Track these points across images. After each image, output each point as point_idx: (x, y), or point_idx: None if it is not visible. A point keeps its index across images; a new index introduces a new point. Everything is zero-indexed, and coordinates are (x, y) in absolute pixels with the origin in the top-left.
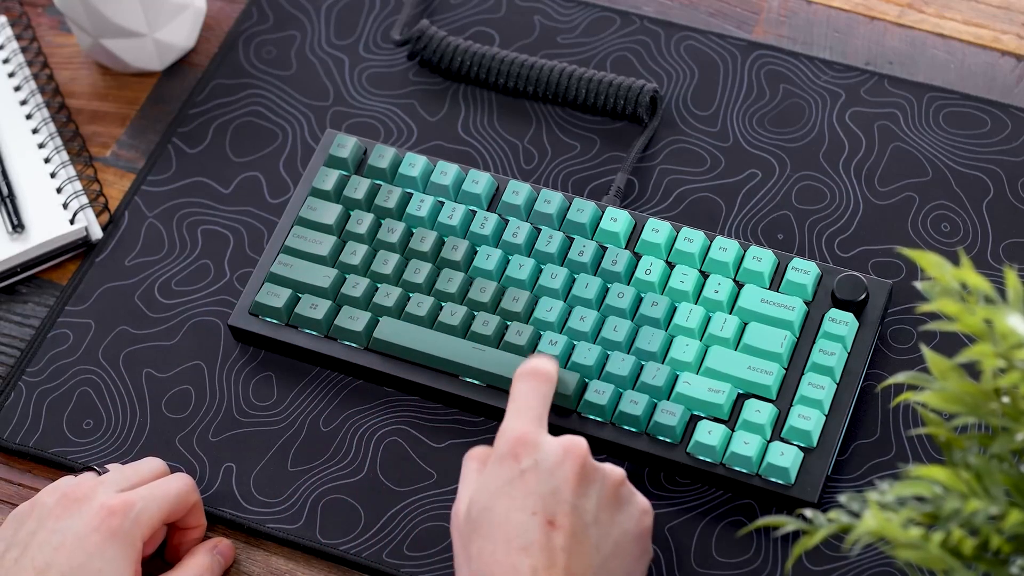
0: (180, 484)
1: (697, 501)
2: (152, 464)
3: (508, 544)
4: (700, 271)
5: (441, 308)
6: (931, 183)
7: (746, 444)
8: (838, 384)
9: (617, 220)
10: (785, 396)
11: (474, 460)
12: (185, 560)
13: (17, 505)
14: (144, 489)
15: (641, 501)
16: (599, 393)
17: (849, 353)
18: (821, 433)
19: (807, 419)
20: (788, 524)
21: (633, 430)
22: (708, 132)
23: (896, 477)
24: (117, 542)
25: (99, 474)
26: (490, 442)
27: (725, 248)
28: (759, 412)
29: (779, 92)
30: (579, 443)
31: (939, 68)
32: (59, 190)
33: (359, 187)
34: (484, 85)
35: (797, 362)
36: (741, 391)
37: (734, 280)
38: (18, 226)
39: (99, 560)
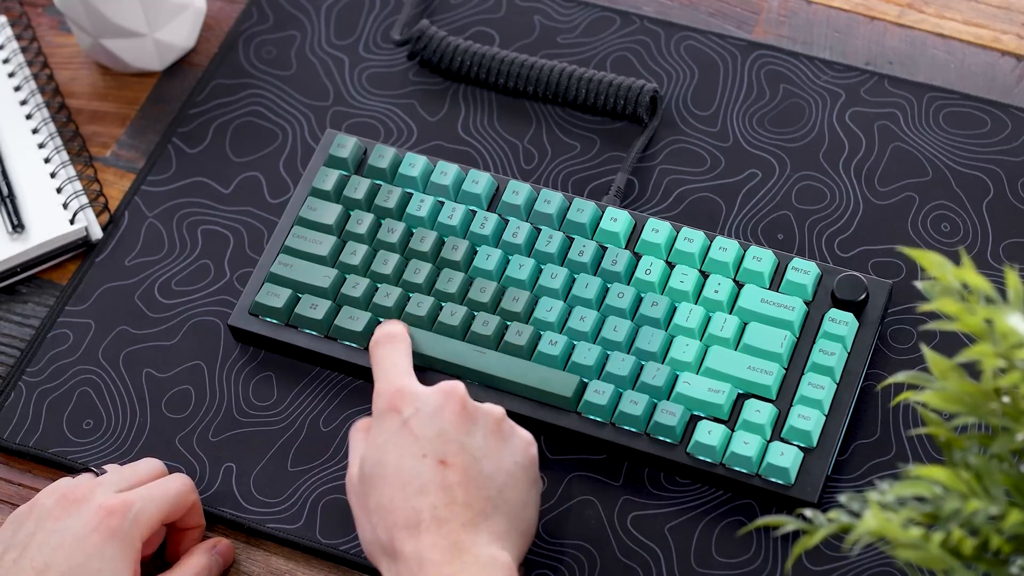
0: (179, 484)
1: (697, 501)
2: (150, 465)
3: (404, 489)
4: (700, 271)
5: (441, 308)
6: (931, 183)
7: (746, 444)
8: (838, 384)
9: (617, 220)
10: (785, 396)
11: (359, 431)
12: (184, 560)
13: (17, 505)
14: (143, 489)
15: (524, 434)
16: (599, 393)
17: (849, 353)
18: (821, 433)
19: (807, 419)
20: (788, 524)
21: (633, 430)
22: (708, 132)
23: (896, 477)
24: (116, 542)
25: (97, 475)
26: None
27: (725, 248)
28: (759, 412)
29: (779, 92)
30: (456, 385)
31: (939, 68)
32: (59, 190)
33: (359, 187)
34: (484, 85)
35: (797, 362)
36: (741, 391)
37: (734, 280)
38: (18, 226)
39: (98, 560)
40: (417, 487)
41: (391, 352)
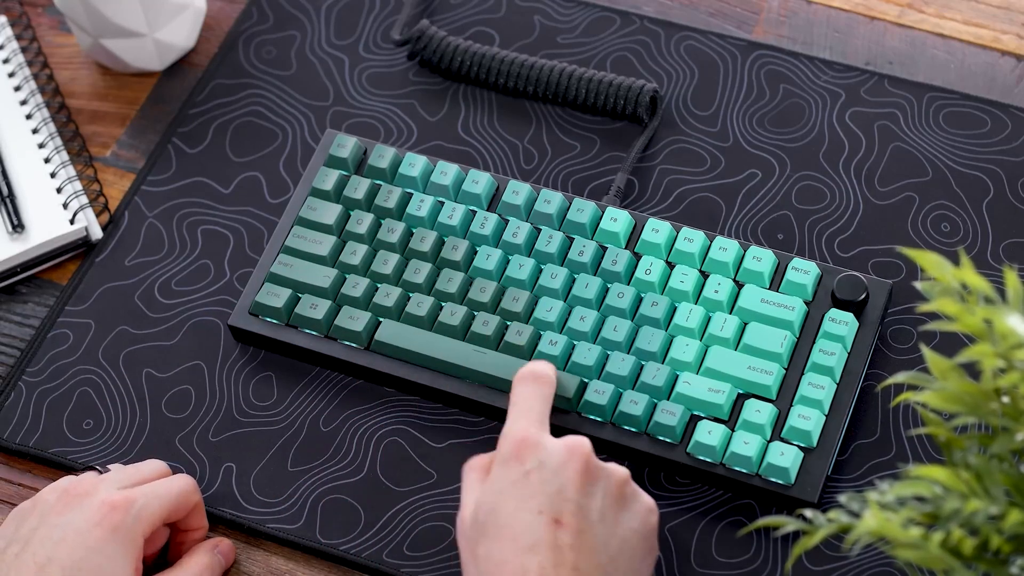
0: (182, 484)
1: (697, 501)
2: (154, 465)
3: (515, 543)
4: (700, 271)
5: (441, 308)
6: (931, 183)
7: (746, 444)
8: (838, 384)
9: (617, 220)
10: (785, 396)
11: (474, 470)
12: (185, 559)
13: (17, 505)
14: (146, 487)
15: (646, 500)
16: (599, 393)
17: (849, 353)
18: (821, 433)
19: (807, 419)
20: (788, 524)
21: (633, 430)
22: (708, 132)
23: (896, 477)
24: (118, 538)
25: (101, 473)
26: (490, 443)
27: (725, 248)
28: (759, 412)
29: (779, 92)
30: (583, 443)
31: (939, 68)
32: (59, 190)
33: (359, 187)
34: (484, 85)
35: (797, 362)
36: (741, 391)
37: (734, 280)
38: (18, 226)
39: (100, 555)
40: (528, 543)
41: (530, 395)
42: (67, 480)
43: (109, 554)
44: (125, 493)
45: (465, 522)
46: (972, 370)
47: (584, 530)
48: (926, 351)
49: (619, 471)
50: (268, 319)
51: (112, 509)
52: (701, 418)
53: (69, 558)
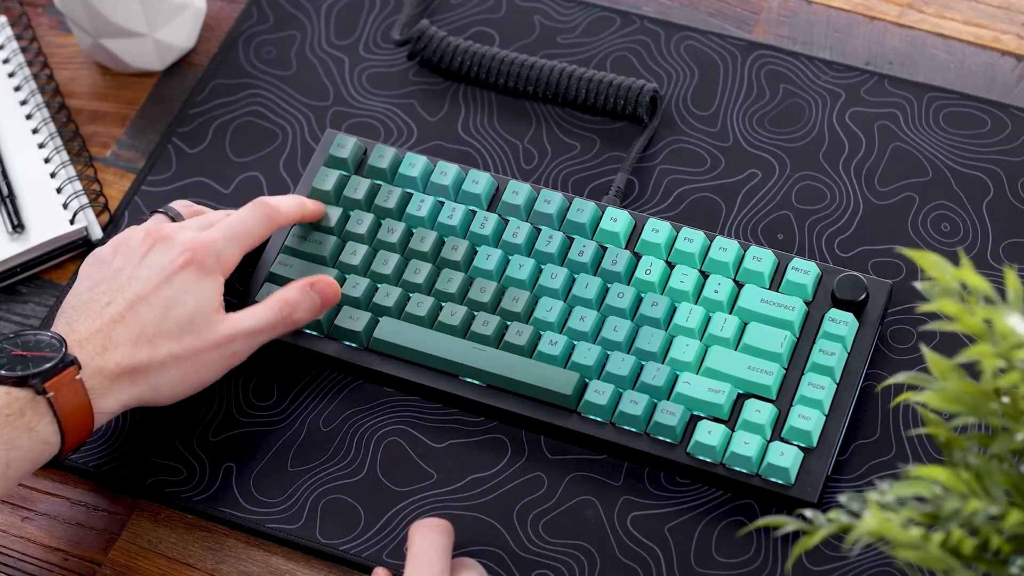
0: (256, 218)
1: (697, 501)
2: (220, 213)
3: None
4: (700, 271)
5: (441, 308)
6: (931, 183)
7: (746, 444)
8: (838, 384)
9: (617, 220)
10: (785, 396)
11: None
12: (277, 294)
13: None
14: (224, 228)
15: None
16: (599, 393)
17: (849, 353)
18: (821, 433)
19: (807, 419)
20: (788, 524)
21: (633, 430)
22: (708, 132)
23: (896, 477)
24: (203, 275)
25: (171, 217)
26: (490, 443)
27: (725, 248)
28: (759, 412)
29: (779, 92)
30: None
31: (939, 68)
32: (59, 190)
33: (359, 187)
34: (484, 85)
35: (797, 362)
36: (741, 391)
37: (734, 280)
38: (18, 226)
39: (186, 292)
40: None
41: (430, 546)
42: (148, 223)
43: (194, 290)
44: (205, 235)
45: None
46: (972, 370)
47: None
48: (926, 351)
49: None
50: None
51: (195, 250)
52: (701, 418)
53: (156, 295)
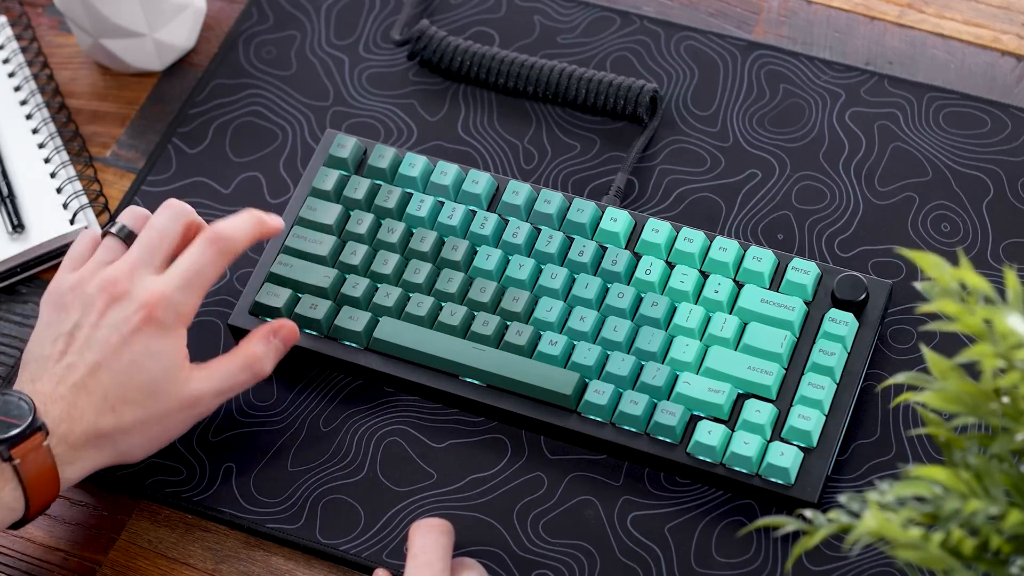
0: (211, 254)
1: (697, 501)
2: (174, 219)
3: None
4: (700, 271)
5: (441, 308)
6: (931, 183)
7: (746, 444)
8: (838, 384)
9: (617, 220)
10: (785, 396)
11: None
12: (241, 344)
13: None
14: (177, 277)
15: None
16: (599, 393)
17: (849, 353)
18: (821, 433)
19: (807, 419)
20: (788, 524)
21: (633, 430)
22: (708, 132)
23: (896, 477)
24: (162, 334)
25: (119, 237)
26: (489, 443)
27: (725, 248)
28: (759, 412)
29: (779, 92)
30: None
31: (939, 68)
32: (59, 190)
33: (359, 187)
34: (484, 85)
35: (797, 362)
36: (741, 391)
37: (734, 280)
38: (18, 226)
39: (146, 355)
40: None
41: (431, 546)
42: (102, 272)
43: (155, 351)
44: (161, 287)
45: None
46: (972, 370)
47: None
48: (926, 351)
49: None
50: (268, 319)
51: (152, 307)
52: (701, 418)
53: (117, 360)
